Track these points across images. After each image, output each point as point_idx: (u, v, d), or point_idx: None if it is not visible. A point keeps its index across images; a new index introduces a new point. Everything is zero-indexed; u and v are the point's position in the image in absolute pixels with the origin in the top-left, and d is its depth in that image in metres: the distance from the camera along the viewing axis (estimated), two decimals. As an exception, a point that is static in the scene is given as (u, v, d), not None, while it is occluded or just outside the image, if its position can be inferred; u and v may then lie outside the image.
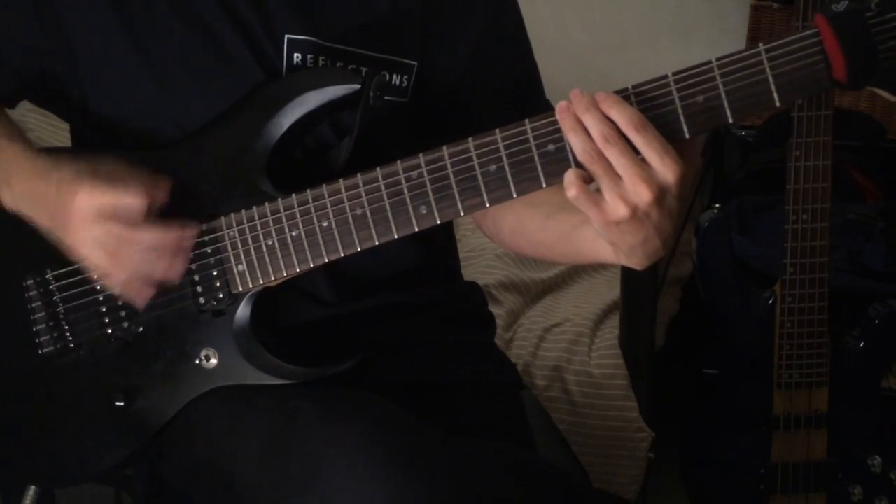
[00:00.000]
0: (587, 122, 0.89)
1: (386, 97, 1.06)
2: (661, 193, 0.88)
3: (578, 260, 1.07)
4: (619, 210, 0.88)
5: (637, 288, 1.78)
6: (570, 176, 0.89)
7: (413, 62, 1.11)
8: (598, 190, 0.89)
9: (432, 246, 1.21)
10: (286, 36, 1.06)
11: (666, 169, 0.87)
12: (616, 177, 0.88)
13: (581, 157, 0.89)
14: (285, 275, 1.03)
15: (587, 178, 0.90)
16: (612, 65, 2.77)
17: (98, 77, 1.09)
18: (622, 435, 1.82)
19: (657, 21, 2.83)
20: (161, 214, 1.04)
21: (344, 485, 0.91)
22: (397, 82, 1.11)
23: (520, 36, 1.18)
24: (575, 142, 0.89)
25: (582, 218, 0.99)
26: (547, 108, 1.15)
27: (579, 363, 1.86)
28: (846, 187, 2.21)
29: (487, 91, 1.14)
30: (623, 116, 0.88)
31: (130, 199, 0.98)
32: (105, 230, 0.98)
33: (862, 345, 1.71)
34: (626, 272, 1.78)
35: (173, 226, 1.00)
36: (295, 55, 1.07)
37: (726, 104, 0.88)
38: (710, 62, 0.89)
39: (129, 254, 0.99)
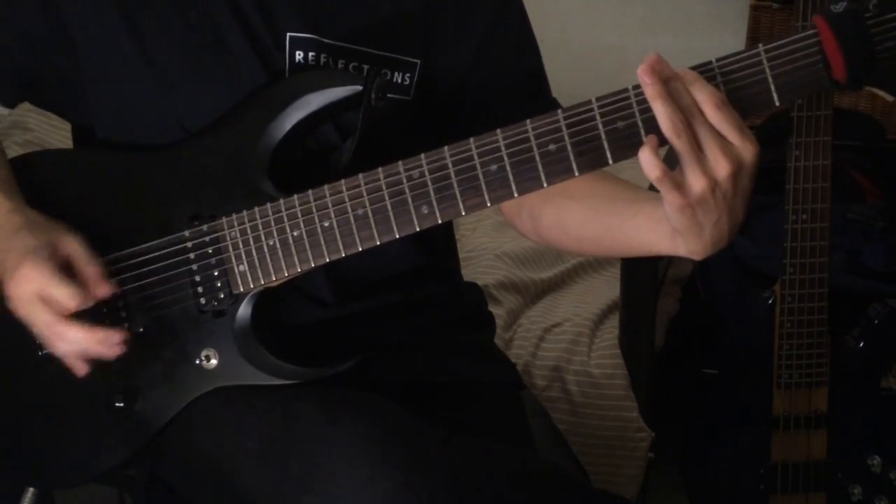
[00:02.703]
0: (673, 90, 0.87)
1: (389, 95, 1.06)
2: (738, 169, 0.87)
3: (627, 253, 1.06)
4: (698, 186, 0.87)
5: (637, 288, 1.77)
6: (652, 158, 0.87)
7: (416, 60, 1.11)
8: (678, 169, 0.88)
9: (432, 246, 1.21)
10: (288, 34, 1.06)
11: (745, 145, 0.87)
12: (699, 151, 0.87)
13: (668, 128, 0.86)
14: (286, 275, 1.03)
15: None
16: (612, 64, 2.78)
17: (100, 75, 1.09)
18: (622, 435, 1.81)
19: (657, 21, 2.84)
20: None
21: (344, 485, 0.91)
22: (399, 80, 1.11)
23: (524, 32, 1.18)
24: (663, 111, 0.86)
25: (633, 210, 0.99)
26: (553, 106, 1.16)
27: (579, 363, 1.86)
28: (846, 187, 2.21)
29: (493, 89, 1.14)
30: (704, 92, 0.86)
31: (62, 296, 1.00)
32: (35, 312, 1.02)
33: (862, 345, 1.71)
34: (626, 272, 1.78)
35: (99, 330, 1.02)
36: (297, 53, 1.07)
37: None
38: (710, 62, 0.89)
39: (57, 340, 1.03)
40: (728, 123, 0.87)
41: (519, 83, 1.16)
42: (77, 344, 1.02)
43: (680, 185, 0.87)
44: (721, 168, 0.86)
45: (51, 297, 1.00)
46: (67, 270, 1.02)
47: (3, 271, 1.04)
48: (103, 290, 1.03)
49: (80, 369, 1.05)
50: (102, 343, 1.02)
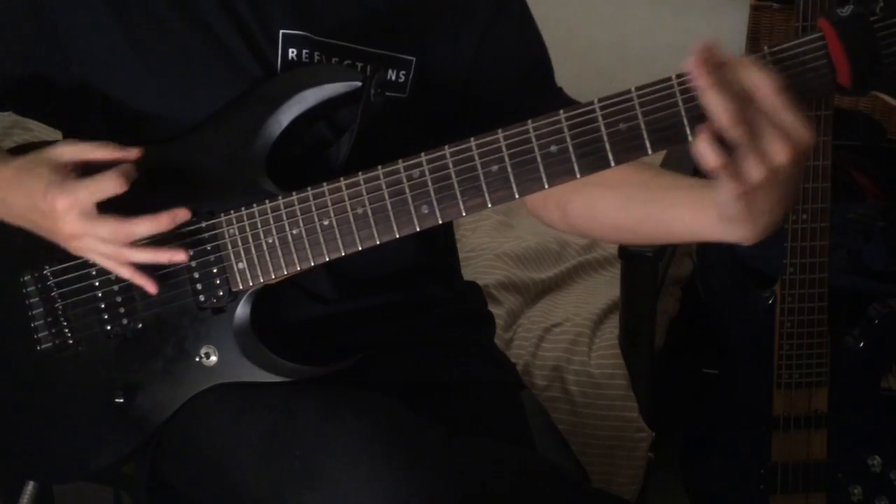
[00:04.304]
0: (725, 78, 0.84)
1: (386, 93, 1.06)
2: (797, 155, 0.85)
3: (667, 240, 1.05)
4: (757, 174, 0.85)
5: (637, 288, 1.77)
6: (709, 148, 0.84)
7: (410, 57, 1.11)
8: (734, 157, 0.85)
9: (433, 245, 1.20)
10: (281, 31, 1.06)
11: (803, 130, 0.85)
12: (756, 139, 0.85)
13: (722, 117, 0.84)
14: (286, 273, 1.03)
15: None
16: (613, 63, 2.78)
17: (92, 73, 1.08)
18: (622, 435, 1.81)
19: (657, 19, 2.83)
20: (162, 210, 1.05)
21: (345, 481, 0.91)
22: (394, 77, 1.11)
23: (526, 22, 1.18)
24: (716, 100, 0.84)
25: (674, 198, 0.98)
26: (558, 96, 1.15)
27: (579, 363, 1.86)
28: (846, 187, 2.21)
29: (498, 81, 1.14)
30: (761, 77, 0.84)
31: (109, 187, 0.97)
32: (97, 233, 0.98)
33: (862, 345, 1.71)
34: (626, 272, 1.78)
35: (163, 214, 0.99)
36: (290, 50, 1.06)
37: None
38: None
39: (128, 248, 1.00)
40: (785, 109, 0.84)
41: (524, 73, 1.15)
42: (148, 235, 1.00)
43: (738, 174, 0.85)
44: (780, 155, 0.85)
45: (101, 198, 0.97)
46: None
47: (38, 221, 1.01)
48: (133, 154, 1.00)
49: (153, 284, 1.03)
50: (171, 223, 1.00)
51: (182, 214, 1.00)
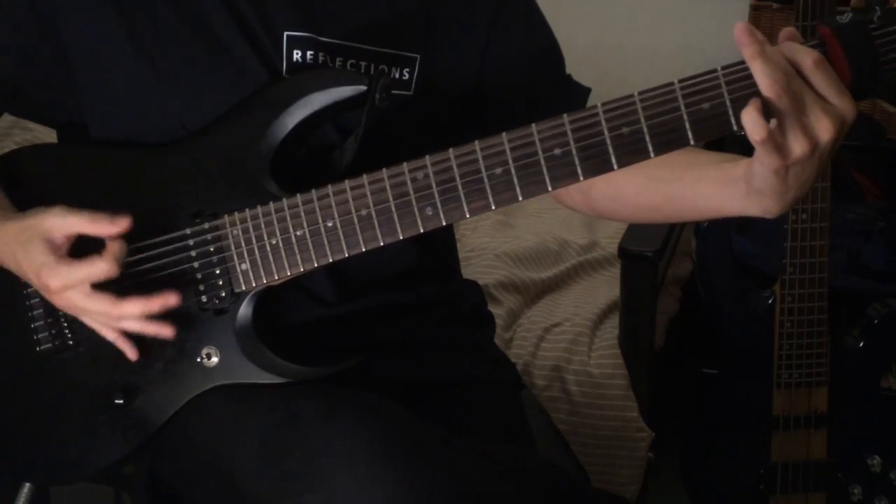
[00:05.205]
0: (769, 52, 0.85)
1: (392, 91, 1.06)
2: (841, 129, 0.86)
3: (691, 217, 1.06)
4: (800, 148, 0.85)
5: (637, 288, 1.78)
6: (759, 119, 0.84)
7: (415, 55, 1.11)
8: (776, 130, 0.85)
9: (433, 245, 1.20)
10: (285, 33, 1.06)
11: (846, 103, 0.85)
12: (800, 112, 0.85)
13: (768, 88, 0.84)
14: (289, 274, 1.03)
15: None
16: (613, 63, 2.78)
17: (98, 79, 1.08)
18: (622, 435, 1.82)
19: (658, 20, 2.84)
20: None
21: (344, 483, 0.91)
22: (398, 76, 1.11)
23: (533, 12, 1.18)
24: (762, 70, 0.84)
25: (696, 175, 0.99)
26: (569, 84, 1.16)
27: (579, 363, 1.86)
28: (846, 187, 2.21)
29: (510, 75, 1.14)
30: (801, 52, 0.85)
31: (100, 273, 0.99)
32: (88, 309, 1.01)
33: (862, 345, 1.72)
34: (626, 272, 1.78)
35: (155, 298, 1.00)
36: (295, 52, 1.06)
37: (731, 112, 0.88)
38: (715, 70, 0.88)
39: (115, 325, 1.03)
40: (827, 82, 0.85)
41: (534, 64, 1.16)
42: (140, 315, 1.01)
43: (781, 148, 0.85)
44: (824, 129, 0.85)
45: (94, 282, 0.99)
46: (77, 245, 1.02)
47: (27, 278, 1.04)
48: (122, 225, 1.00)
49: (133, 353, 1.05)
50: (163, 306, 1.01)
51: (173, 300, 1.01)
